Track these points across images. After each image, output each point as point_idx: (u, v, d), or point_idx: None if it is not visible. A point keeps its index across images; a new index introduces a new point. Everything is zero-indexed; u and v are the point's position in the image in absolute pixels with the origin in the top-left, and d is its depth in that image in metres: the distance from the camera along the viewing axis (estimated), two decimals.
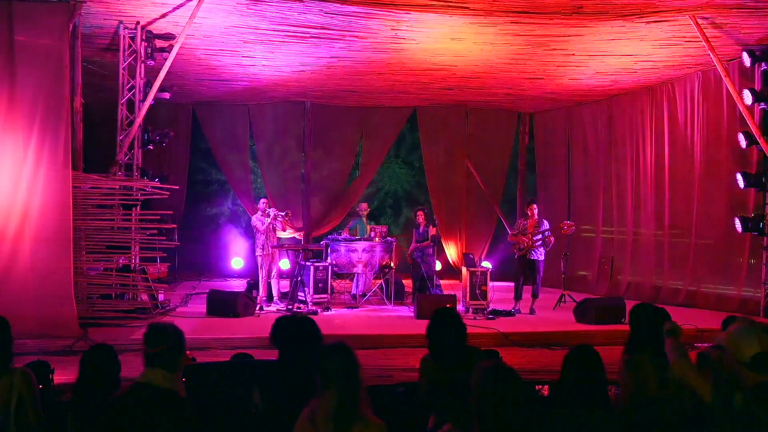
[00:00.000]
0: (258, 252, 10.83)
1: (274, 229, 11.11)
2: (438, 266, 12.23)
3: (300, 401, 3.23)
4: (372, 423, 3.03)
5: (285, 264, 11.84)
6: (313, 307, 10.44)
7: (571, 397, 3.32)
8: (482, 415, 2.82)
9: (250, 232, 16.28)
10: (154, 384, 3.09)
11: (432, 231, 11.40)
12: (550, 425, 3.17)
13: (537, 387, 6.22)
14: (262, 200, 11.22)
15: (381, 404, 3.79)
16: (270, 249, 10.84)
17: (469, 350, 4.48)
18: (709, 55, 9.84)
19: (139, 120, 9.99)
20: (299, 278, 10.70)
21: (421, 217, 11.53)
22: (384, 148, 16.02)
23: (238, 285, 13.24)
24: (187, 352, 3.41)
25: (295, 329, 3.88)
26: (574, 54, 10.90)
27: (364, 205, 12.95)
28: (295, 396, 3.49)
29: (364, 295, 11.56)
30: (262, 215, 10.91)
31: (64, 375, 6.41)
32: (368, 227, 12.30)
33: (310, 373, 3.38)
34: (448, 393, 4.10)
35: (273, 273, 11.00)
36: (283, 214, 11.41)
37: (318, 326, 3.94)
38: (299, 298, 10.77)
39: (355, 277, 11.97)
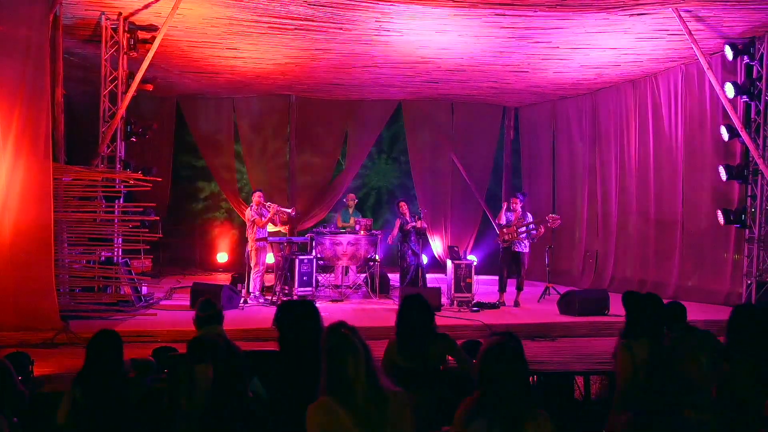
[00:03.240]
0: (252, 245, 10.71)
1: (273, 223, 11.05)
2: (424, 260, 12.24)
3: (303, 387, 3.18)
4: (399, 392, 2.96)
5: (270, 258, 11.79)
6: None
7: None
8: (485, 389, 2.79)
9: (235, 226, 16.33)
10: (214, 333, 4.47)
11: (419, 224, 11.34)
12: None
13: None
14: (258, 193, 11.03)
15: None
16: (257, 242, 10.77)
17: (437, 337, 4.50)
18: (692, 48, 9.89)
19: (121, 112, 9.94)
20: (286, 272, 10.66)
21: (404, 208, 11.50)
22: (369, 142, 16.00)
23: (224, 279, 13.19)
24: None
25: (299, 311, 3.88)
26: (558, 47, 10.92)
27: (351, 195, 12.98)
28: (298, 382, 3.47)
29: (349, 287, 11.55)
30: (258, 208, 10.79)
31: (44, 367, 6.38)
32: (352, 218, 12.30)
33: (311, 356, 3.34)
34: (403, 380, 4.07)
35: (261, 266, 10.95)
36: (289, 210, 11.36)
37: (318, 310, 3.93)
38: (284, 291, 10.73)
39: (339, 269, 11.93)
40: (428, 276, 12.00)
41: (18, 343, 7.18)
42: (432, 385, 4.31)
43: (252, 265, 10.69)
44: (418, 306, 4.47)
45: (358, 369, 2.86)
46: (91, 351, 3.95)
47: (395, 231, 11.54)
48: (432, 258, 15.33)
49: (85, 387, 3.83)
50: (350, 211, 12.58)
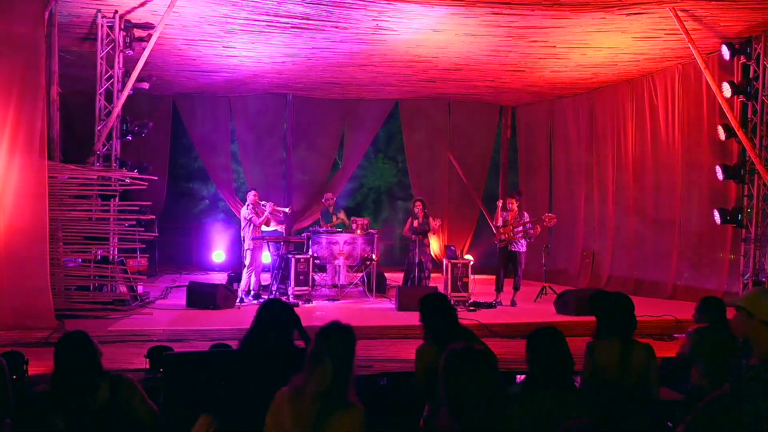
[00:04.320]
0: (249, 245, 10.67)
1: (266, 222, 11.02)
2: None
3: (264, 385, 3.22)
4: (354, 407, 2.99)
5: (266, 257, 11.77)
6: (294, 300, 10.39)
7: (539, 378, 3.31)
8: (451, 396, 2.80)
9: (232, 225, 16.28)
10: None
11: (434, 224, 11.31)
12: (521, 407, 3.16)
13: (518, 377, 6.24)
14: (253, 192, 10.99)
15: (359, 392, 3.80)
16: (254, 241, 10.74)
17: (465, 332, 4.52)
18: (689, 48, 9.88)
19: (117, 110, 9.91)
20: (282, 271, 10.63)
21: (419, 207, 11.47)
22: (366, 141, 16.01)
23: (220, 278, 13.15)
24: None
25: (278, 309, 3.93)
26: (555, 46, 10.91)
27: (328, 195, 12.85)
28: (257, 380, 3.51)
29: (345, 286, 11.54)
30: (253, 207, 10.76)
31: (39, 366, 6.34)
32: (333, 216, 12.25)
33: (278, 358, 3.38)
34: None
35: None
36: (285, 209, 11.32)
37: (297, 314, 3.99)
38: (281, 290, 10.72)
39: (332, 268, 11.87)
40: None
41: (12, 342, 7.14)
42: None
43: (247, 264, 10.67)
44: (445, 304, 4.53)
45: (321, 382, 2.95)
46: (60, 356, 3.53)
47: (408, 225, 11.47)
48: (428, 257, 15.29)
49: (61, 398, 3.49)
50: (330, 210, 12.50)
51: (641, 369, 4.17)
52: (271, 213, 10.76)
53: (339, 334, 3.10)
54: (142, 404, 3.55)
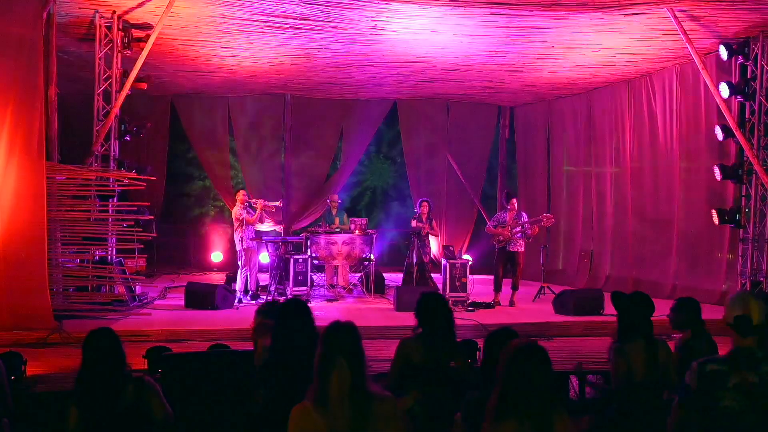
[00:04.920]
0: (243, 245, 10.67)
1: (259, 221, 11.02)
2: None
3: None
4: (387, 398, 2.96)
5: (264, 257, 11.77)
6: None
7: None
8: (506, 392, 2.82)
9: (230, 225, 16.25)
10: None
11: (435, 224, 11.46)
12: None
13: None
14: (242, 192, 11.04)
15: None
16: (250, 241, 10.74)
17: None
18: (686, 48, 9.89)
19: (115, 110, 9.90)
20: (280, 271, 10.63)
21: (426, 208, 11.50)
22: (364, 141, 16.00)
23: (218, 278, 13.14)
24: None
25: (296, 309, 3.85)
26: (553, 46, 10.91)
27: (334, 196, 12.83)
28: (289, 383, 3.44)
29: (344, 287, 11.54)
30: (243, 207, 10.77)
31: (37, 367, 6.35)
32: (336, 218, 12.27)
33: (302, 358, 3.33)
34: (427, 375, 4.12)
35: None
36: (276, 203, 11.32)
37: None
38: (279, 290, 10.71)
39: (332, 269, 11.89)
40: None
41: (11, 343, 7.14)
42: (446, 380, 4.33)
43: (241, 264, 10.68)
44: (443, 302, 4.59)
45: (342, 382, 2.88)
46: (88, 352, 3.53)
47: (414, 223, 11.49)
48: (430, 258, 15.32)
49: (87, 397, 3.47)
50: (333, 212, 12.50)
51: (665, 366, 4.33)
52: (262, 209, 10.78)
53: (344, 331, 3.05)
54: (162, 408, 3.55)
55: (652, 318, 4.45)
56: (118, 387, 3.44)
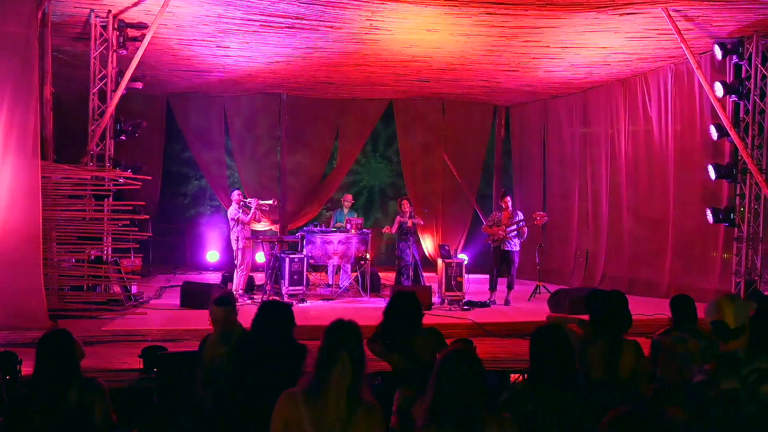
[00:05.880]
0: (240, 244, 10.67)
1: (255, 220, 11.04)
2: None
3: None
4: (374, 407, 2.93)
5: (260, 257, 11.77)
6: (288, 299, 10.39)
7: (541, 376, 3.29)
8: (438, 397, 2.76)
9: (226, 225, 16.25)
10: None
11: (418, 220, 11.55)
12: (521, 404, 3.16)
13: (512, 376, 6.26)
14: (236, 191, 11.09)
15: None
16: (246, 241, 10.75)
17: (425, 331, 4.51)
18: (681, 48, 9.92)
19: (110, 110, 9.89)
20: (276, 270, 10.64)
21: (407, 206, 11.53)
22: (360, 141, 16.03)
23: (214, 278, 13.14)
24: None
25: (278, 311, 3.96)
26: (548, 46, 10.93)
27: (348, 196, 12.91)
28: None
29: (339, 286, 11.54)
30: (238, 207, 10.78)
31: (32, 366, 6.33)
32: (346, 219, 12.29)
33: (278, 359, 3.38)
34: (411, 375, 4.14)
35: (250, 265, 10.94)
36: (270, 201, 11.33)
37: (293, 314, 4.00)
38: (275, 289, 10.72)
39: (331, 268, 11.94)
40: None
41: (6, 343, 7.12)
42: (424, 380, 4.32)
43: (237, 263, 10.68)
44: (408, 299, 4.50)
45: (342, 377, 2.87)
46: (40, 354, 3.54)
47: (395, 226, 11.51)
48: (422, 256, 15.34)
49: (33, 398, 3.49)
50: (345, 212, 12.53)
51: (631, 368, 4.14)
52: (257, 208, 10.79)
53: (348, 328, 3.06)
54: (103, 414, 3.52)
55: (624, 318, 4.31)
56: (63, 388, 3.45)
